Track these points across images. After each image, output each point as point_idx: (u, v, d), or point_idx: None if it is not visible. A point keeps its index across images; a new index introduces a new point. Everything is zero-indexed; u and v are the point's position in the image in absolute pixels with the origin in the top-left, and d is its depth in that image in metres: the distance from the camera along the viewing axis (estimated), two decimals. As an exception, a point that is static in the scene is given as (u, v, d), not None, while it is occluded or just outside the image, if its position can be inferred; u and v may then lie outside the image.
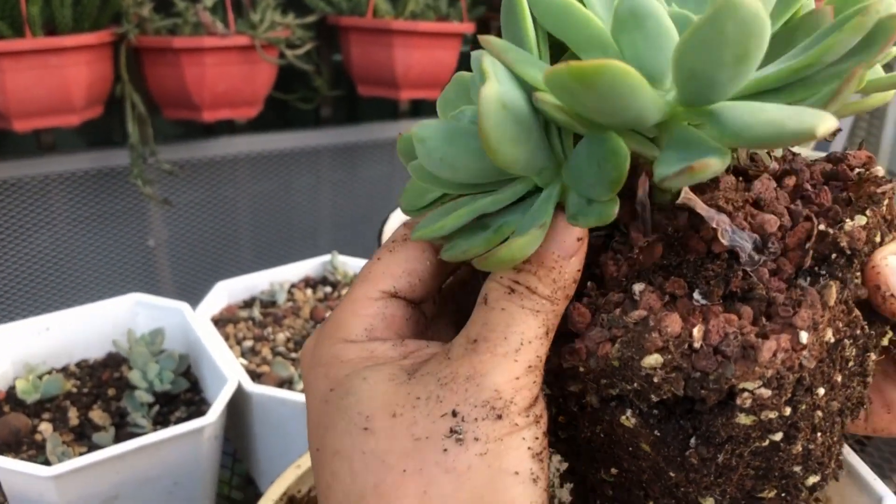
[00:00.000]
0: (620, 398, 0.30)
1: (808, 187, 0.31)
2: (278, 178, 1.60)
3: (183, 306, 0.80)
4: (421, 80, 1.45)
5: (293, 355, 0.78)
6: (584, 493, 0.36)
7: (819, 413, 0.30)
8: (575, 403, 0.31)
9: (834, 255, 0.29)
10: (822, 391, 0.29)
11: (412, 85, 1.46)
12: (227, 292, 0.86)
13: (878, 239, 0.31)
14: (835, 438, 0.32)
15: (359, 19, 1.42)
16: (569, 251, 0.28)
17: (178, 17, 1.34)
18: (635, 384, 0.28)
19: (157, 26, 1.32)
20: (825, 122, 0.22)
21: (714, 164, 0.24)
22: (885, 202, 0.31)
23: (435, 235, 0.31)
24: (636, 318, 0.27)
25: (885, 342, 0.33)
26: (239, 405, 0.75)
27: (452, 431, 0.26)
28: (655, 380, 0.27)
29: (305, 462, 0.63)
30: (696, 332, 0.27)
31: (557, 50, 0.31)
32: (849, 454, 0.44)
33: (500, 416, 0.26)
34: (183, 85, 1.32)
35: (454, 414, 0.26)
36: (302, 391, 0.73)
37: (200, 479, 0.72)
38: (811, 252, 0.29)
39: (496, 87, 0.26)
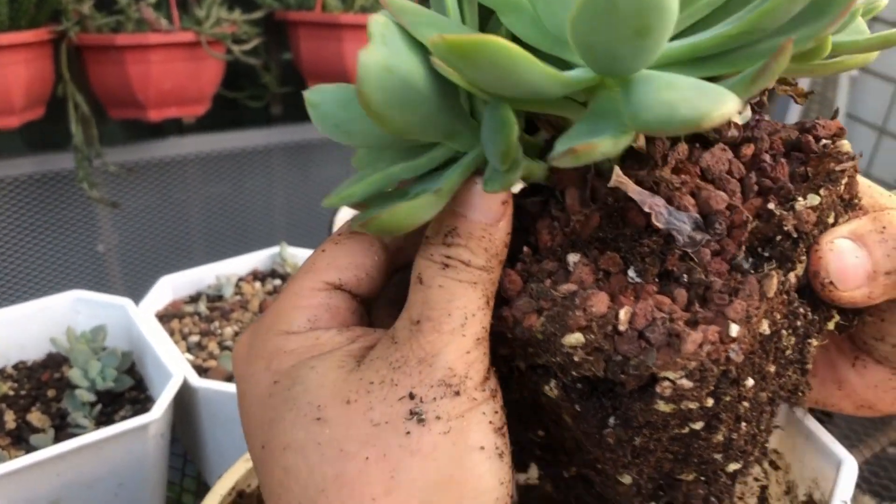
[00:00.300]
0: (546, 368, 0.29)
1: (767, 159, 0.30)
2: (230, 179, 1.57)
3: (125, 302, 0.77)
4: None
5: (242, 349, 0.76)
6: (516, 450, 0.35)
7: (745, 404, 0.29)
8: (504, 365, 0.30)
9: (779, 238, 0.28)
10: (750, 382, 0.28)
11: (364, 80, 1.44)
12: (171, 287, 0.83)
13: (830, 220, 0.29)
14: (762, 427, 0.31)
15: (307, 14, 1.40)
16: (495, 217, 0.27)
17: (120, 14, 1.31)
18: (558, 358, 0.27)
19: (98, 24, 1.28)
20: (722, 107, 0.21)
21: (602, 146, 0.22)
22: (844, 181, 0.29)
23: (345, 202, 0.29)
24: (564, 292, 0.27)
25: (830, 326, 0.32)
26: (186, 402, 0.72)
27: (413, 413, 0.25)
28: (576, 358, 0.26)
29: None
30: (623, 314, 0.26)
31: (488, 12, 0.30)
32: (808, 420, 0.43)
33: (457, 393, 0.26)
34: (127, 83, 1.29)
35: (411, 396, 0.26)
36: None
37: (147, 480, 0.69)
38: (752, 233, 0.28)
39: (380, 50, 0.25)
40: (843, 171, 0.29)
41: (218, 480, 0.60)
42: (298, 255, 0.88)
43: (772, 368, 0.30)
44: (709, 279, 0.26)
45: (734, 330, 0.25)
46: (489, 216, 0.27)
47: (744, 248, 0.28)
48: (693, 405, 0.27)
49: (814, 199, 0.28)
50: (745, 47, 0.25)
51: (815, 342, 0.32)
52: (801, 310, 0.30)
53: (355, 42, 1.39)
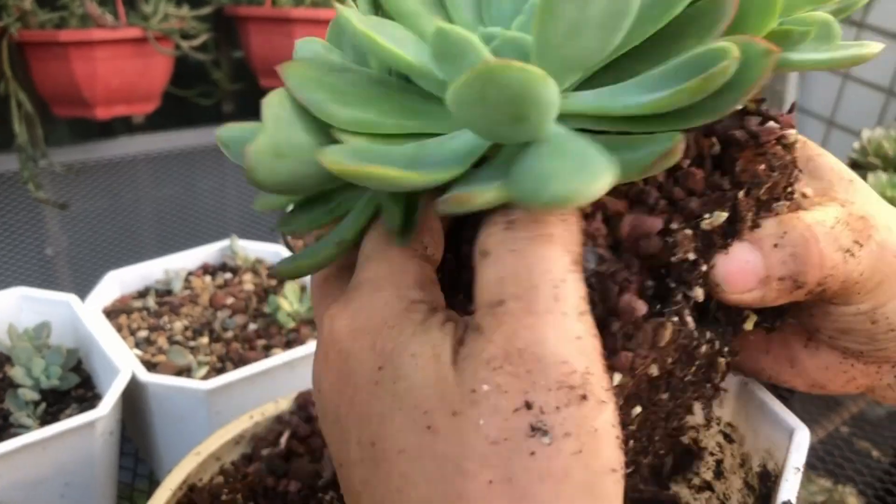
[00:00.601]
0: None
1: (684, 166, 0.28)
2: (181, 178, 1.54)
3: (71, 298, 0.75)
4: (326, 70, 1.42)
5: (191, 343, 0.74)
6: None
7: (632, 427, 0.28)
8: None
9: (676, 261, 0.27)
10: (638, 409, 0.28)
11: (316, 75, 1.43)
12: (119, 283, 0.81)
13: (749, 222, 0.29)
14: (655, 438, 0.31)
15: (257, 9, 1.38)
16: None
17: (63, 9, 1.28)
18: None
19: (41, 20, 1.25)
20: (593, 187, 0.20)
21: (480, 199, 0.22)
22: (767, 185, 0.28)
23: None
24: None
25: (749, 326, 0.32)
26: (135, 398, 0.70)
27: (534, 429, 0.22)
28: None
29: (205, 449, 0.60)
30: None
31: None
32: (761, 392, 0.43)
33: (584, 397, 0.22)
34: (73, 81, 1.26)
35: (528, 406, 0.22)
36: (202, 378, 0.70)
37: (95, 480, 0.67)
38: (656, 256, 0.26)
39: (269, 137, 0.25)
40: (769, 177, 0.28)
41: (168, 475, 0.58)
42: (249, 248, 0.86)
43: (664, 396, 0.29)
44: (608, 319, 0.25)
45: (616, 378, 0.25)
46: None
47: (648, 277, 0.27)
48: None
49: (720, 217, 0.27)
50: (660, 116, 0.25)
51: (723, 361, 0.32)
52: (707, 335, 0.29)
53: (307, 36, 1.38)
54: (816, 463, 0.87)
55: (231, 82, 1.52)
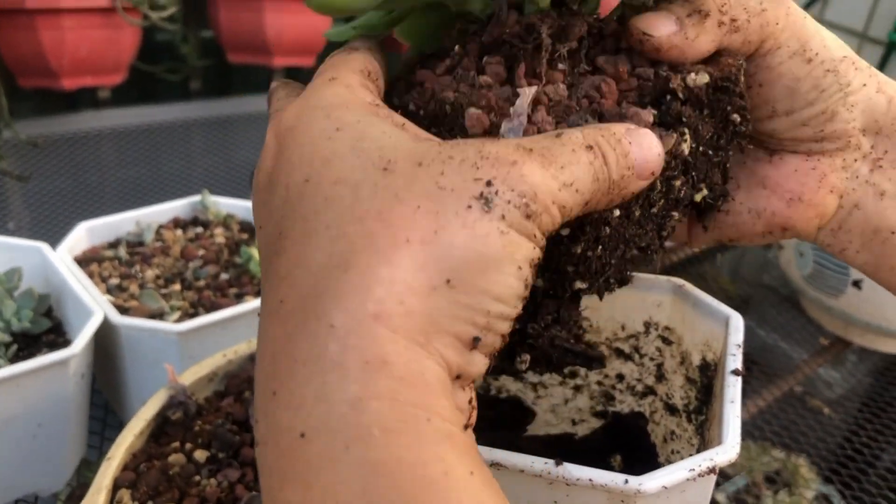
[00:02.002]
0: None
1: None
2: (146, 155, 1.54)
3: (42, 245, 0.75)
4: (295, 46, 1.43)
5: (163, 291, 0.75)
6: None
7: (607, 229, 0.31)
8: None
9: (668, 97, 0.33)
10: (616, 213, 0.31)
11: (286, 51, 1.43)
12: (89, 234, 0.81)
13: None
14: (612, 261, 0.34)
15: (226, -17, 1.39)
16: None
17: (30, -22, 1.27)
18: (457, 134, 0.30)
19: (7, -12, 1.25)
20: None
21: None
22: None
23: None
24: (482, 82, 0.31)
25: (697, 198, 0.36)
26: (107, 343, 0.71)
27: (482, 196, 0.25)
28: (472, 132, 0.30)
29: (179, 384, 0.61)
30: (518, 102, 0.30)
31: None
32: (692, 290, 0.46)
33: (528, 217, 0.25)
34: (39, 50, 1.25)
35: (489, 184, 0.25)
36: (175, 321, 0.70)
37: (68, 421, 0.68)
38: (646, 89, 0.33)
39: None
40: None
41: (142, 406, 0.59)
42: (221, 202, 0.87)
43: (637, 213, 0.32)
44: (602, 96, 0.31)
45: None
46: None
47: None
48: None
49: (703, 78, 0.32)
50: None
51: (676, 215, 0.35)
52: (676, 182, 0.33)
53: (277, 13, 1.38)
54: (771, 436, 0.90)
55: (199, 58, 1.52)
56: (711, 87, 0.34)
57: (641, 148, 0.29)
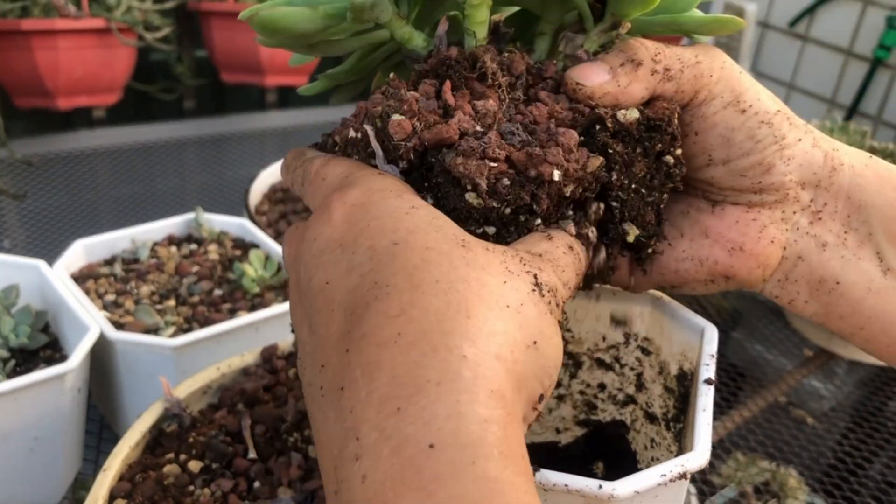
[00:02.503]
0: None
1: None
2: (141, 173, 1.55)
3: (39, 263, 0.77)
4: (287, 66, 1.45)
5: (158, 306, 0.76)
6: None
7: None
8: None
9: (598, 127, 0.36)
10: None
11: (278, 71, 1.46)
12: (85, 251, 0.83)
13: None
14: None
15: (220, 3, 1.41)
16: None
17: (26, -1, 1.29)
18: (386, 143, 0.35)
19: (3, 10, 1.27)
20: None
21: None
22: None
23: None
24: (410, 96, 0.35)
25: (630, 238, 0.38)
26: (103, 358, 0.72)
27: (537, 284, 0.30)
28: (395, 139, 0.34)
29: (174, 397, 0.62)
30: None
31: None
32: (670, 302, 0.48)
33: (557, 306, 0.31)
34: (35, 70, 1.27)
35: (535, 276, 0.31)
36: (170, 336, 0.72)
37: (64, 435, 0.69)
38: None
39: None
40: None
41: (138, 419, 0.60)
42: (215, 220, 0.89)
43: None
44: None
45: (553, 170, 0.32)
46: None
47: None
48: (494, 203, 0.33)
49: (633, 114, 0.35)
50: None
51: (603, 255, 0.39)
52: (592, 206, 0.37)
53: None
54: (756, 445, 0.92)
55: (193, 78, 1.54)
56: (643, 124, 0.35)
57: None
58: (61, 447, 0.70)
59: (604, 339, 0.52)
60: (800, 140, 0.38)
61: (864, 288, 0.38)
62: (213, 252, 0.84)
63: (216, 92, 1.64)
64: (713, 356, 0.43)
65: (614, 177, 0.35)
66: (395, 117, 0.33)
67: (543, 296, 0.30)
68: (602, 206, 0.37)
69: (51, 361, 0.72)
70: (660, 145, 0.36)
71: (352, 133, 0.36)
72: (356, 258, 0.30)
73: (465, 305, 0.28)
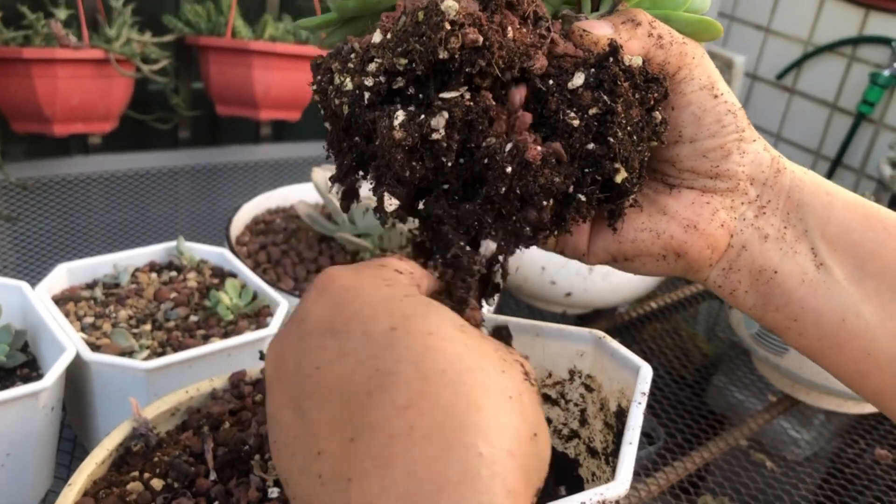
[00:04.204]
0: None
1: None
2: (133, 200, 1.58)
3: (22, 284, 0.79)
4: (280, 100, 1.49)
5: (134, 330, 0.79)
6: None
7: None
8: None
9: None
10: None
11: (272, 106, 1.49)
12: (69, 274, 0.85)
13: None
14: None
15: (218, 39, 1.45)
16: None
17: (28, 28, 1.33)
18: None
19: (5, 38, 1.31)
20: None
21: None
22: None
23: None
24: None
25: (619, 179, 0.39)
26: (78, 378, 0.75)
27: (526, 375, 0.31)
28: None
29: (142, 417, 0.64)
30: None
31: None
32: (611, 342, 0.50)
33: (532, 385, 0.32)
34: (34, 97, 1.31)
35: (523, 366, 0.32)
36: (144, 359, 0.74)
37: (35, 453, 0.71)
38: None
39: None
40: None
41: (106, 437, 0.63)
42: (196, 248, 0.91)
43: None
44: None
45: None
46: None
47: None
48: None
49: (638, 60, 0.38)
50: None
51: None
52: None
53: (264, 69, 1.44)
54: (715, 487, 0.94)
55: (189, 109, 1.57)
56: (643, 74, 0.38)
57: None
58: (32, 464, 0.71)
59: (549, 375, 0.54)
60: (755, 140, 0.42)
61: (798, 279, 0.41)
62: (192, 280, 0.87)
63: (211, 123, 1.68)
64: (645, 394, 0.45)
65: (619, 107, 0.37)
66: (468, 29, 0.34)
67: (533, 385, 0.31)
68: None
69: (27, 380, 0.74)
70: (655, 96, 0.39)
71: (378, 36, 0.36)
72: (349, 343, 0.30)
73: (474, 398, 0.28)
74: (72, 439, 0.85)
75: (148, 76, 1.38)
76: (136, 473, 0.60)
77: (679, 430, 0.99)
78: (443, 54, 0.34)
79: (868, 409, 1.06)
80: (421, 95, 0.36)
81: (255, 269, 0.93)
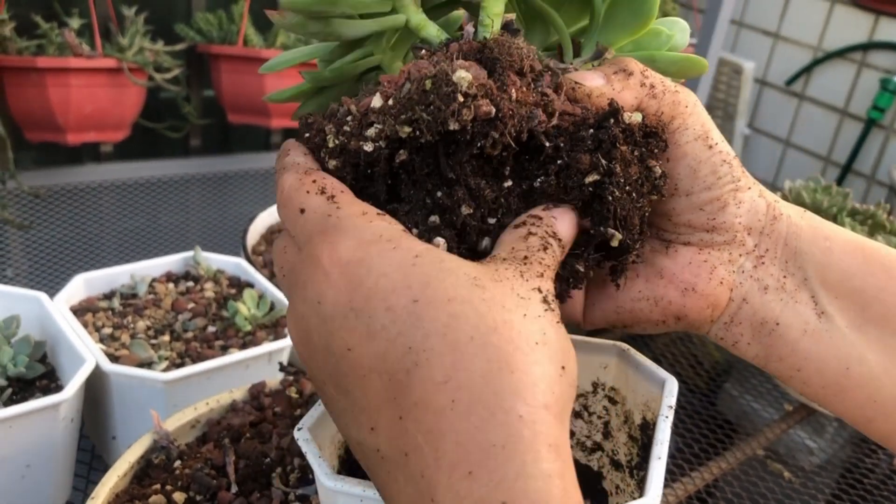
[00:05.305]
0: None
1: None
2: (145, 208, 1.59)
3: (40, 295, 0.79)
4: (292, 108, 1.48)
5: (153, 341, 0.79)
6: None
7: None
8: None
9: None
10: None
11: (284, 114, 1.50)
12: (86, 285, 0.86)
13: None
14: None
15: (229, 47, 1.46)
16: None
17: (42, 38, 1.34)
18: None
19: (19, 47, 1.31)
20: None
21: None
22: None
23: None
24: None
25: (615, 242, 0.38)
26: (97, 389, 0.75)
27: (544, 300, 0.32)
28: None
29: (163, 429, 0.64)
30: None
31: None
32: (635, 354, 0.50)
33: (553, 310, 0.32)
34: (47, 106, 1.31)
35: (540, 290, 0.32)
36: (163, 370, 0.74)
37: (54, 464, 0.71)
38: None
39: None
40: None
41: (128, 449, 0.63)
42: (212, 258, 0.92)
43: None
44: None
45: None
46: None
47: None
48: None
49: (637, 116, 0.37)
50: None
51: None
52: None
53: (276, 77, 1.45)
54: (733, 497, 0.93)
55: (200, 117, 1.58)
56: (642, 130, 0.38)
57: None
58: (52, 475, 0.72)
59: (573, 387, 0.54)
60: (749, 188, 0.41)
61: (800, 329, 0.40)
62: (209, 290, 0.87)
63: (222, 131, 1.68)
64: (672, 408, 0.45)
65: (618, 168, 0.36)
66: (481, 100, 0.34)
67: (552, 308, 0.32)
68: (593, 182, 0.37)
69: (47, 391, 0.74)
70: (656, 151, 0.38)
71: (378, 101, 0.35)
72: (375, 322, 0.31)
73: (506, 359, 0.29)
74: (89, 450, 0.85)
75: (160, 85, 1.39)
76: (157, 486, 0.60)
77: (695, 440, 0.99)
78: (453, 126, 0.34)
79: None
80: (427, 170, 0.36)
81: (271, 279, 0.93)
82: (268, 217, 1.12)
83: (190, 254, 0.90)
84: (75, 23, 1.32)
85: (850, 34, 1.92)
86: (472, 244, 0.37)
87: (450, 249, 0.36)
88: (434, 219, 0.37)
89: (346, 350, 0.31)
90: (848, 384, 0.40)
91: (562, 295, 0.40)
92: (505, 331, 0.30)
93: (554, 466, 0.28)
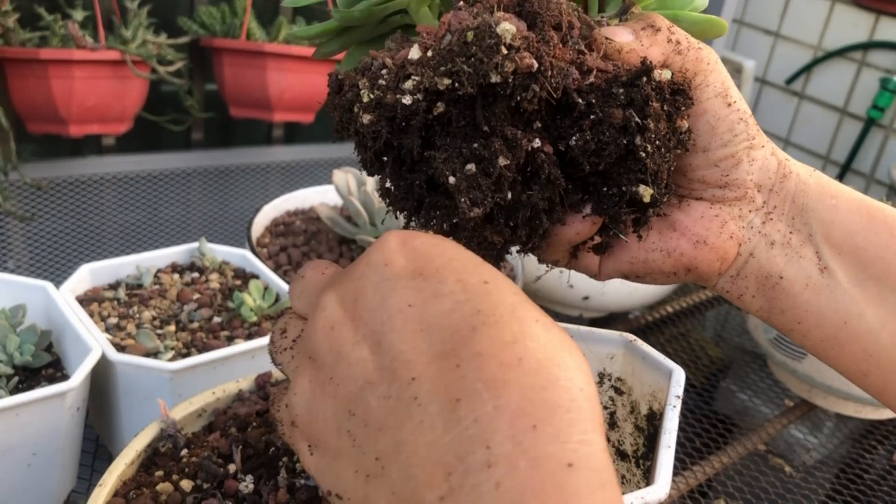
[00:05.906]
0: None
1: None
2: (147, 201, 1.59)
3: (47, 285, 0.79)
4: (295, 102, 1.49)
5: (159, 331, 0.79)
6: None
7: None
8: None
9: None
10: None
11: (285, 108, 1.50)
12: (91, 275, 0.86)
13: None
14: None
15: (232, 41, 1.45)
16: None
17: (45, 29, 1.34)
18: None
19: (22, 38, 1.31)
20: None
21: None
22: None
23: None
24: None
25: (647, 197, 0.39)
26: (103, 379, 0.75)
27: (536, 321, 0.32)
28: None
29: (170, 418, 0.65)
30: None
31: None
32: (642, 345, 0.51)
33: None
34: (50, 98, 1.31)
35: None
36: (169, 360, 0.75)
37: (61, 452, 0.71)
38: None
39: None
40: None
41: (135, 437, 0.63)
42: (218, 249, 0.92)
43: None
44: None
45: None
46: None
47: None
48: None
49: (666, 74, 0.38)
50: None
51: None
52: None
53: (279, 70, 1.45)
54: (734, 491, 0.94)
55: (202, 111, 1.58)
56: (670, 87, 0.38)
57: None
58: (58, 464, 0.72)
59: (580, 378, 0.54)
60: (763, 146, 0.42)
61: (802, 284, 0.42)
62: (215, 281, 0.87)
63: (224, 125, 1.68)
64: (679, 397, 0.46)
65: (651, 125, 0.37)
66: (523, 52, 0.34)
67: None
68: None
69: (53, 380, 0.75)
70: (682, 108, 0.39)
71: (416, 53, 0.35)
72: (444, 287, 0.31)
73: (567, 344, 0.30)
74: (93, 439, 0.85)
75: (164, 77, 1.39)
76: (164, 474, 0.60)
77: (697, 435, 0.99)
78: (495, 78, 0.34)
79: (886, 414, 1.06)
80: (463, 122, 0.36)
81: (275, 270, 0.94)
82: (272, 210, 1.12)
83: (195, 245, 0.90)
84: (79, 15, 1.32)
85: (850, 34, 1.92)
86: (503, 196, 0.37)
87: (485, 198, 0.37)
88: (471, 167, 0.37)
89: (407, 306, 0.32)
90: (846, 338, 0.42)
91: (604, 245, 0.42)
92: (557, 329, 0.31)
93: (604, 443, 0.29)
